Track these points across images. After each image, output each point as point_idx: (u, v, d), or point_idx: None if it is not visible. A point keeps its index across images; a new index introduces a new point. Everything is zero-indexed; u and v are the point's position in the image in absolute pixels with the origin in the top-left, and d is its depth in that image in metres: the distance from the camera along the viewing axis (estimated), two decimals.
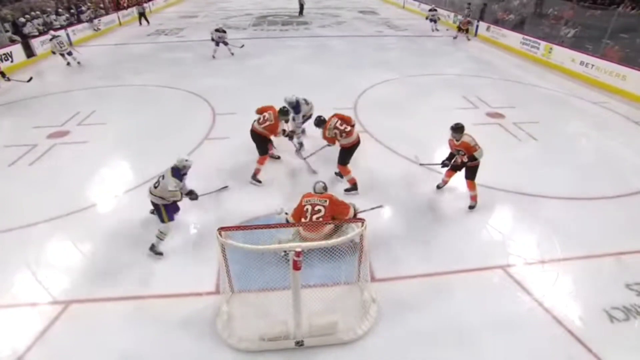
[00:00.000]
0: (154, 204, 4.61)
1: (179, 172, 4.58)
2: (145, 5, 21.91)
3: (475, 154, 5.25)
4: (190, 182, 5.21)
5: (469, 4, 16.80)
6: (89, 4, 19.37)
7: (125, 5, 21.89)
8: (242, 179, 6.16)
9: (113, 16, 19.90)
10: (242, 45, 13.62)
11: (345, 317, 3.73)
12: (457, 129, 5.28)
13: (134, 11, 21.61)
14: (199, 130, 7.87)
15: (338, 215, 4.46)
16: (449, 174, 5.85)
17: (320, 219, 4.32)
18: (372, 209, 4.95)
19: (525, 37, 13.76)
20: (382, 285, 4.22)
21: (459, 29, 16.41)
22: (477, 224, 5.26)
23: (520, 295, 4.18)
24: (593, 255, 4.69)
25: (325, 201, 4.46)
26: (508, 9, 16.26)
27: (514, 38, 14.36)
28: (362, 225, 3.46)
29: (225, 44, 13.17)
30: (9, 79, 10.48)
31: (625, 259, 4.64)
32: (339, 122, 5.62)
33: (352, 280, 4.08)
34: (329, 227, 4.26)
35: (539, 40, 13.14)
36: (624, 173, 6.48)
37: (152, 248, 4.63)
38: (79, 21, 17.37)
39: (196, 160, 6.60)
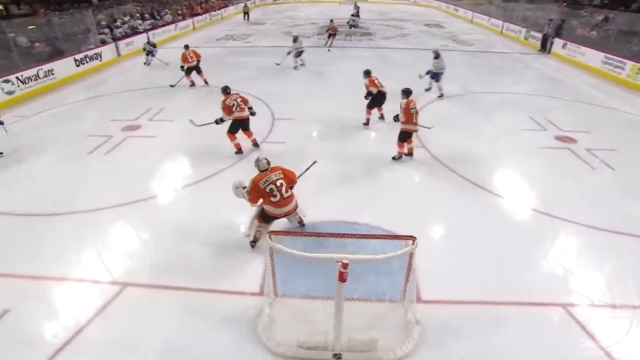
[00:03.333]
0: None
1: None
2: (248, 4, 26.61)
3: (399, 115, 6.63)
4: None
5: (550, 20, 15.79)
6: (168, 10, 20.99)
7: (199, 11, 23.46)
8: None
9: (188, 21, 21.33)
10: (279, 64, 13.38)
11: (386, 336, 3.60)
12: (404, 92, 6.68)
13: (207, 17, 23.20)
14: (257, 133, 8.11)
15: (291, 180, 4.62)
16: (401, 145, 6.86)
17: (286, 188, 4.50)
18: (308, 168, 5.25)
19: (609, 55, 12.66)
20: (429, 307, 4.03)
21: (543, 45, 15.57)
22: (539, 254, 4.87)
23: (583, 339, 3.78)
24: None
25: (279, 173, 4.53)
26: (589, 25, 15.11)
27: (594, 56, 13.27)
28: (413, 243, 3.34)
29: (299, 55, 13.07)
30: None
31: None
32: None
33: (397, 298, 3.96)
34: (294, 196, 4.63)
35: (625, 60, 12.02)
36: None
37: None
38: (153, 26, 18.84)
39: (252, 163, 6.95)
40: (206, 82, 11.34)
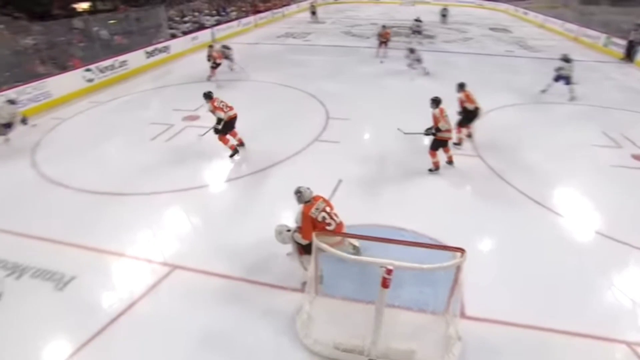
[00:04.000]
0: None
1: None
2: (314, 3, 26.53)
3: (440, 125, 6.13)
4: (292, 180, 5.43)
5: (638, 25, 14.32)
6: (233, 7, 21.87)
7: (261, 9, 24.20)
8: (349, 184, 6.22)
9: (250, 18, 22.04)
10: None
11: (425, 348, 3.49)
12: (434, 101, 6.28)
13: (269, 14, 23.91)
14: (311, 130, 8.22)
15: (331, 206, 4.20)
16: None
17: (334, 214, 4.09)
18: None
19: None
20: (472, 324, 3.85)
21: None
22: (602, 282, 4.46)
23: None
24: None
25: (322, 201, 4.11)
26: None
27: None
28: (462, 256, 3.20)
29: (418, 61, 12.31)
30: None
31: None
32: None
33: (440, 311, 3.81)
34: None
35: None
36: None
37: None
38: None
39: (304, 159, 7.05)
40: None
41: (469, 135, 7.69)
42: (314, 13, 24.85)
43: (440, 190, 6.18)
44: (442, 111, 6.21)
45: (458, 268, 3.28)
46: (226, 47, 12.59)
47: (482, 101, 10.01)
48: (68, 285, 4.37)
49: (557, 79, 10.11)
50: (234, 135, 7.32)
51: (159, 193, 6.12)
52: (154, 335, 3.79)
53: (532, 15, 25.12)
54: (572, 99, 10.14)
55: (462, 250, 3.23)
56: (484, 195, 6.09)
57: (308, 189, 4.08)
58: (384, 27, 14.81)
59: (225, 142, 7.05)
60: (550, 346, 3.70)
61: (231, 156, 7.10)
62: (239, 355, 3.59)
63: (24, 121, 8.05)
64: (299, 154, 7.27)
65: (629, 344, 3.72)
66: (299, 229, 4.03)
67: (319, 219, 3.94)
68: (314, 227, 3.84)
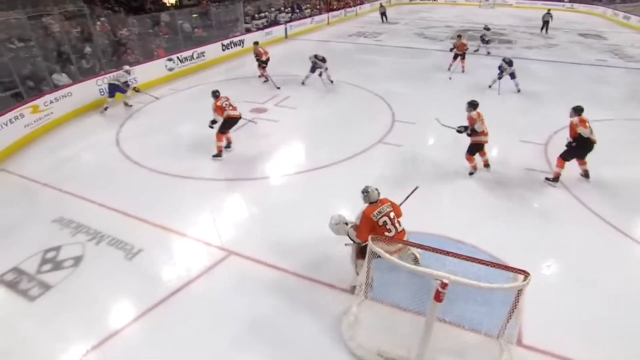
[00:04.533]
0: None
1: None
2: (383, 3, 25.95)
3: (475, 126, 6.08)
4: (354, 177, 5.41)
5: None
6: (308, 5, 22.27)
7: (334, 7, 24.31)
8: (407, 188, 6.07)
9: (324, 16, 22.29)
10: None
11: None
12: (471, 104, 6.21)
13: (342, 13, 23.94)
14: (376, 131, 8.14)
15: (399, 212, 4.04)
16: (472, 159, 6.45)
17: (397, 221, 3.90)
18: (409, 195, 4.66)
19: None
20: (529, 354, 3.58)
21: None
22: None
23: None
24: None
25: (389, 205, 3.93)
26: None
27: None
28: (525, 279, 2.97)
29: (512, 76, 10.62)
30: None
31: None
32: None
33: (494, 333, 3.59)
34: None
35: None
36: None
37: None
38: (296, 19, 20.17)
39: (367, 161, 7.02)
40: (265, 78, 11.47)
41: (585, 174, 6.38)
42: (383, 14, 23.55)
43: (508, 206, 5.78)
44: (479, 115, 6.19)
45: (519, 292, 3.06)
46: (318, 58, 10.78)
47: (562, 115, 9.17)
48: (136, 256, 4.78)
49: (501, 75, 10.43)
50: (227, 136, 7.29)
51: (223, 180, 6.45)
52: (205, 314, 4.01)
53: (634, 19, 22.41)
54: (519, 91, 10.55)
55: (526, 273, 3.00)
56: (558, 217, 5.57)
57: (376, 189, 3.96)
58: (459, 36, 12.81)
59: (219, 139, 7.10)
60: None
61: (214, 156, 7.09)
62: (281, 347, 3.67)
63: (135, 90, 9.77)
64: (362, 154, 7.23)
65: None
66: (356, 227, 3.96)
67: (380, 222, 3.78)
68: (372, 230, 3.71)
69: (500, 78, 10.59)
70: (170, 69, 12.08)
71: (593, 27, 22.83)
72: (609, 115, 9.30)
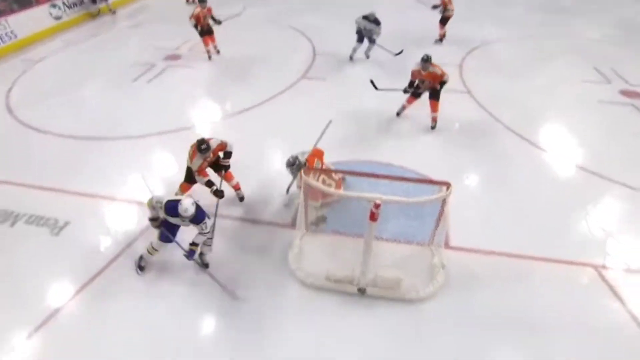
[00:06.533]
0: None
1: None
2: None
3: (445, 78, 5.65)
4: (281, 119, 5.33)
5: None
6: None
7: None
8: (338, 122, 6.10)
9: None
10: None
11: (411, 276, 3.72)
12: (426, 60, 5.56)
13: None
14: (298, 67, 7.97)
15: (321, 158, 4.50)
16: (411, 101, 6.08)
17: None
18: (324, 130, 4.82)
19: None
20: (456, 254, 4.08)
21: None
22: (579, 213, 4.70)
23: (611, 302, 3.76)
24: None
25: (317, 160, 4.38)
26: None
27: None
28: (447, 189, 3.31)
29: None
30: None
31: None
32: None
33: (425, 242, 4.02)
34: None
35: None
36: None
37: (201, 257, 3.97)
38: None
39: (293, 99, 6.93)
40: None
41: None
42: None
43: (427, 127, 6.15)
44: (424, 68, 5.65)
45: (444, 201, 3.41)
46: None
47: (472, 36, 9.61)
48: (63, 230, 4.44)
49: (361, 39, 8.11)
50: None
51: (145, 136, 6.02)
52: (154, 271, 3.94)
53: None
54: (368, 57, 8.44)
55: (447, 184, 3.33)
56: (473, 131, 6.13)
57: (297, 157, 4.22)
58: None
59: (207, 44, 7.62)
60: (531, 273, 3.98)
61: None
62: (236, 289, 3.74)
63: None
64: (287, 91, 7.13)
65: (596, 267, 4.04)
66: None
67: (321, 182, 3.98)
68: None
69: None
70: (57, 17, 10.37)
71: None
72: (514, 34, 9.97)
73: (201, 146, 4.16)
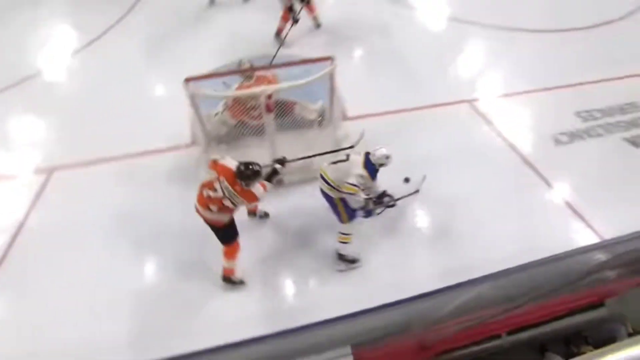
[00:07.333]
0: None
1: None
2: None
3: None
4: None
5: None
6: None
7: None
8: None
9: None
10: None
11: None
12: None
13: None
14: None
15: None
16: (286, 18, 5.28)
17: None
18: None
19: None
20: (355, 122, 4.35)
21: None
22: (448, 60, 5.27)
23: (483, 126, 4.50)
24: (553, 87, 4.88)
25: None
26: None
27: None
28: (332, 63, 3.37)
29: None
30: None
31: (583, 89, 4.86)
32: None
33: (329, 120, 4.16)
34: None
35: None
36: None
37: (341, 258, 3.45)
38: None
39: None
40: None
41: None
42: None
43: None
44: None
45: (331, 76, 3.48)
46: None
47: None
48: None
49: None
50: None
51: None
52: (62, 240, 3.57)
53: None
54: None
55: (330, 59, 3.39)
56: (352, 8, 6.10)
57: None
58: None
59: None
60: (418, 120, 4.51)
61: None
62: (154, 225, 3.63)
63: None
64: None
65: (469, 101, 4.74)
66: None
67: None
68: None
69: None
70: None
71: None
72: None
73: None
